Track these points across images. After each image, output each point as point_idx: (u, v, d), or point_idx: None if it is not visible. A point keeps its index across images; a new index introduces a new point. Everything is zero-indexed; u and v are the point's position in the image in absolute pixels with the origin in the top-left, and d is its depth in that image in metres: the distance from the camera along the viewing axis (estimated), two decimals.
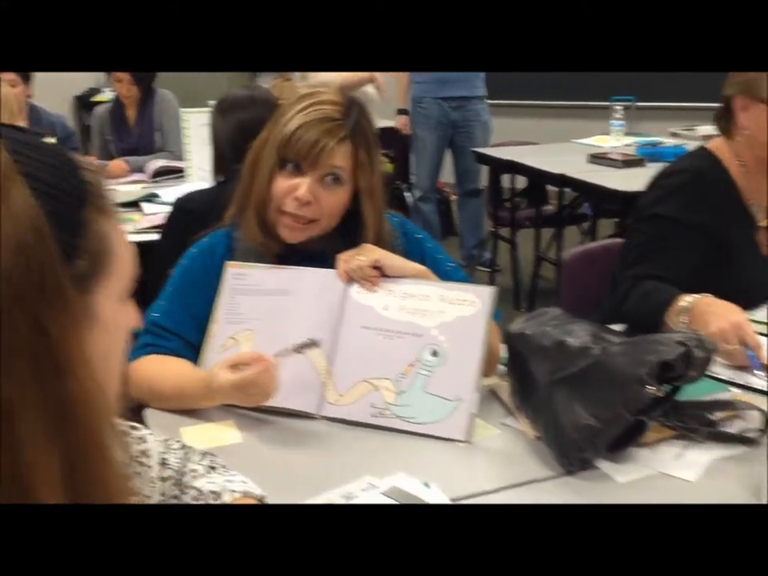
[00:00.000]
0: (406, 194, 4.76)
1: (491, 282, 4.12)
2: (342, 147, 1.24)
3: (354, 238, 1.28)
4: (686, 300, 1.45)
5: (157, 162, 3.09)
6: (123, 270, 0.53)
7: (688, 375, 1.07)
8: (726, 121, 1.69)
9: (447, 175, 4.49)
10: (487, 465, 1.10)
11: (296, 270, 1.29)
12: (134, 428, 0.84)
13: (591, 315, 1.81)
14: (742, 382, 1.28)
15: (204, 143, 2.15)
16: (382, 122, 4.61)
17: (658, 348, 1.05)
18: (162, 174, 3.00)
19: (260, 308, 1.27)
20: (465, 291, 1.22)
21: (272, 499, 0.98)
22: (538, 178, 3.55)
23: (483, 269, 4.21)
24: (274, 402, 1.16)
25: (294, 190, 1.24)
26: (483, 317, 1.19)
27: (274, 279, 1.29)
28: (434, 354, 1.19)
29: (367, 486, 1.02)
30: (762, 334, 1.39)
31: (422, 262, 1.30)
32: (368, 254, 1.24)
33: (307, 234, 1.29)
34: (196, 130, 2.51)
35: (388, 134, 4.56)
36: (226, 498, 0.82)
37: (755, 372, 1.29)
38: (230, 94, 1.98)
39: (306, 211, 1.25)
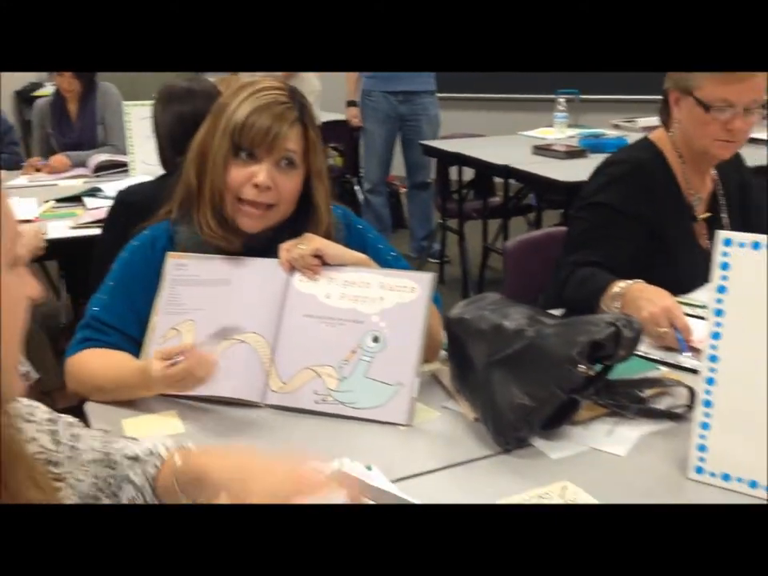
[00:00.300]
0: (357, 188, 4.78)
1: (441, 273, 4.17)
2: (294, 130, 1.26)
3: (305, 224, 1.30)
4: (619, 286, 1.50)
5: (99, 157, 3.04)
6: (5, 236, 0.52)
7: (618, 354, 1.11)
8: (665, 114, 1.75)
9: (398, 168, 4.51)
10: (427, 446, 1.12)
11: (238, 259, 1.30)
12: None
13: (535, 301, 1.86)
14: (671, 361, 1.33)
15: (147, 137, 2.13)
16: (332, 115, 4.62)
17: (589, 328, 1.08)
18: (105, 168, 2.96)
19: (202, 298, 1.28)
20: (404, 278, 1.25)
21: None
22: (485, 169, 3.60)
23: (433, 260, 4.25)
24: (216, 391, 1.17)
25: (251, 178, 1.25)
26: (423, 303, 1.22)
27: (216, 269, 1.30)
28: (375, 340, 1.22)
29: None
30: (692, 316, 1.44)
31: (364, 252, 1.32)
32: (309, 243, 1.26)
33: (266, 222, 1.29)
34: (139, 124, 2.48)
35: (338, 127, 4.57)
36: (162, 450, 0.87)
37: (683, 352, 1.35)
38: (171, 85, 1.97)
39: (265, 197, 1.26)
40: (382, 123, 4.18)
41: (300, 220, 1.32)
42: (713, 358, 0.99)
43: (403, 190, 4.74)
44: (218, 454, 0.88)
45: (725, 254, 0.97)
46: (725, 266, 0.97)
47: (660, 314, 1.40)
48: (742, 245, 0.96)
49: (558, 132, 3.87)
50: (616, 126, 4.14)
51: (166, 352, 1.12)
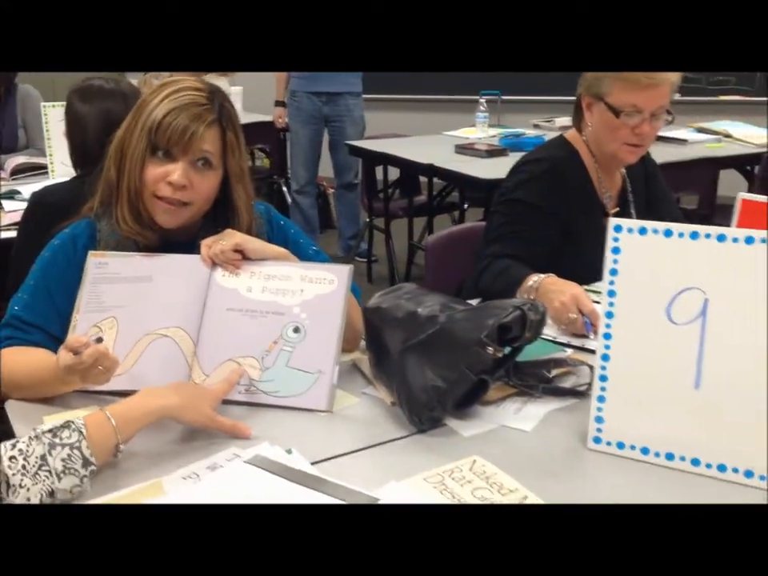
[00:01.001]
0: (284, 189, 4.80)
1: (368, 272, 4.23)
2: (211, 131, 1.29)
3: (225, 222, 1.33)
4: (533, 279, 1.59)
5: (17, 159, 2.98)
6: None
7: (524, 336, 1.18)
8: (577, 118, 1.85)
9: (326, 169, 4.55)
10: (347, 430, 1.17)
11: (159, 256, 1.32)
12: None
13: (458, 294, 1.93)
14: (576, 344, 1.42)
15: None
16: (259, 116, 4.62)
17: (497, 312, 1.15)
18: (23, 171, 2.90)
19: (123, 296, 1.29)
20: (323, 270, 1.29)
21: (140, 474, 1.03)
22: (409, 168, 3.67)
23: (361, 259, 4.31)
24: (138, 385, 1.18)
25: (167, 176, 1.27)
26: (341, 294, 1.27)
27: (138, 266, 1.31)
28: (296, 330, 1.26)
29: (232, 456, 1.07)
30: (599, 303, 1.53)
31: (286, 246, 1.36)
32: (229, 238, 1.29)
33: (182, 218, 1.32)
34: (58, 125, 2.45)
35: (265, 128, 4.58)
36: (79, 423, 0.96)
37: (590, 336, 1.43)
38: (91, 83, 1.96)
39: (180, 195, 1.28)
40: (307, 124, 4.22)
41: (220, 217, 1.35)
42: (607, 336, 1.07)
43: (331, 191, 4.78)
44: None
45: (615, 240, 1.05)
46: (616, 251, 1.06)
47: (569, 302, 1.48)
48: (630, 231, 1.04)
49: (480, 132, 3.98)
50: (536, 126, 4.28)
51: (71, 341, 1.12)
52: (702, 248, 0.99)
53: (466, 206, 3.99)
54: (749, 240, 0.96)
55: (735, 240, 0.97)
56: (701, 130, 3.87)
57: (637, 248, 1.04)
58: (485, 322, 1.14)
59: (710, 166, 3.43)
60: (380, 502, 0.94)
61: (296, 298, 1.27)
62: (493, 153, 3.48)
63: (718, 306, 0.99)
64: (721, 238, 0.98)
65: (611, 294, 1.06)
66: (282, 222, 1.45)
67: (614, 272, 1.06)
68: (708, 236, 0.99)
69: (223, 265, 1.30)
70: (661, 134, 3.69)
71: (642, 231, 1.03)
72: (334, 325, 1.25)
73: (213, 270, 1.31)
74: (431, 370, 1.14)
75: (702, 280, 1.00)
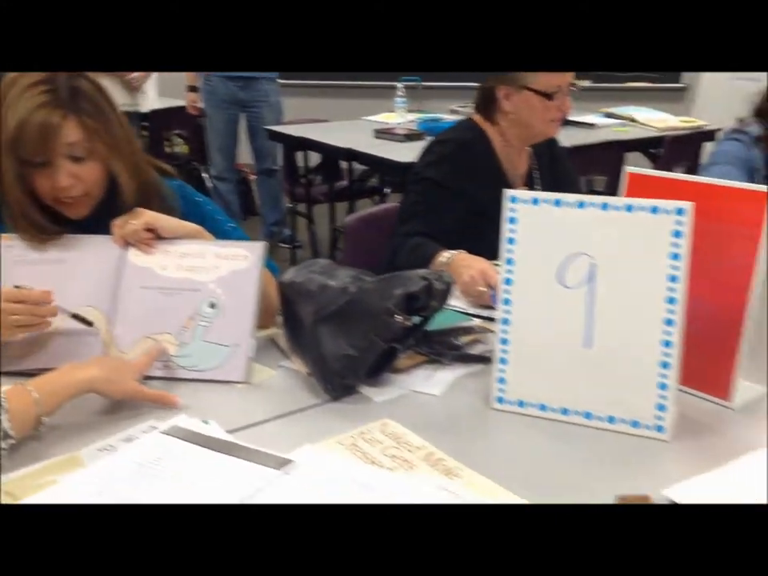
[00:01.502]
0: (204, 175, 4.75)
1: (293, 257, 4.25)
2: (68, 123, 1.25)
3: (108, 199, 1.33)
4: (445, 256, 1.66)
5: None
6: None
7: (431, 305, 1.24)
8: (488, 108, 1.92)
9: (247, 155, 4.53)
10: (263, 400, 1.21)
11: (72, 238, 1.33)
12: None
13: (374, 272, 1.99)
14: (484, 314, 1.49)
15: None
16: (176, 101, 4.56)
17: (404, 282, 1.21)
18: None
19: (36, 278, 1.29)
20: (237, 247, 1.32)
21: (61, 446, 1.04)
22: (329, 153, 3.71)
23: (284, 245, 4.32)
24: (52, 363, 1.19)
25: (54, 184, 1.27)
26: (255, 269, 1.30)
27: (50, 249, 1.31)
28: (212, 306, 1.28)
29: (148, 428, 1.09)
30: None
31: (203, 224, 1.38)
32: (140, 217, 1.30)
33: (90, 205, 1.33)
34: None
35: (183, 113, 4.53)
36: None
37: (497, 307, 1.50)
38: None
39: (75, 192, 1.30)
40: (222, 109, 4.18)
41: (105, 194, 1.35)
42: (506, 302, 1.14)
43: (253, 177, 4.77)
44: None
45: (512, 210, 1.12)
46: (512, 221, 1.12)
47: (477, 276, 1.56)
48: (525, 201, 1.11)
49: (399, 117, 4.04)
50: (453, 111, 4.37)
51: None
52: (588, 216, 1.07)
53: (388, 190, 4.05)
54: (629, 208, 1.05)
55: (617, 208, 1.05)
56: (608, 115, 4.04)
57: (531, 218, 1.11)
58: (393, 292, 1.19)
59: (617, 149, 3.59)
60: (295, 463, 0.98)
61: (211, 275, 1.30)
62: (411, 137, 3.55)
63: (604, 270, 1.07)
64: (604, 206, 1.06)
65: (509, 262, 1.13)
66: (198, 199, 1.47)
67: (511, 241, 1.13)
68: (593, 205, 1.07)
69: (136, 244, 1.31)
70: (571, 118, 3.87)
71: (535, 202, 1.10)
72: (249, 299, 1.28)
73: (126, 250, 1.32)
74: (343, 339, 1.19)
75: (589, 246, 1.07)
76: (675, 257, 1.03)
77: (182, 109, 4.51)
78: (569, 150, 3.25)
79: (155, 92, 4.34)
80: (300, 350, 1.27)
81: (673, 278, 1.03)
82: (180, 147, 4.92)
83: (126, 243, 1.32)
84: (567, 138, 3.41)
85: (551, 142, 2.10)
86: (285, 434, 1.11)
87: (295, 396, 1.21)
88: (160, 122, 4.47)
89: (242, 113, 4.23)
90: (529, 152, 2.03)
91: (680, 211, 1.02)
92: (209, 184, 4.55)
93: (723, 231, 1.12)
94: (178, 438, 1.04)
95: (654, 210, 1.03)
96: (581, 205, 1.08)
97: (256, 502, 0.91)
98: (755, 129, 1.96)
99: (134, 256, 1.32)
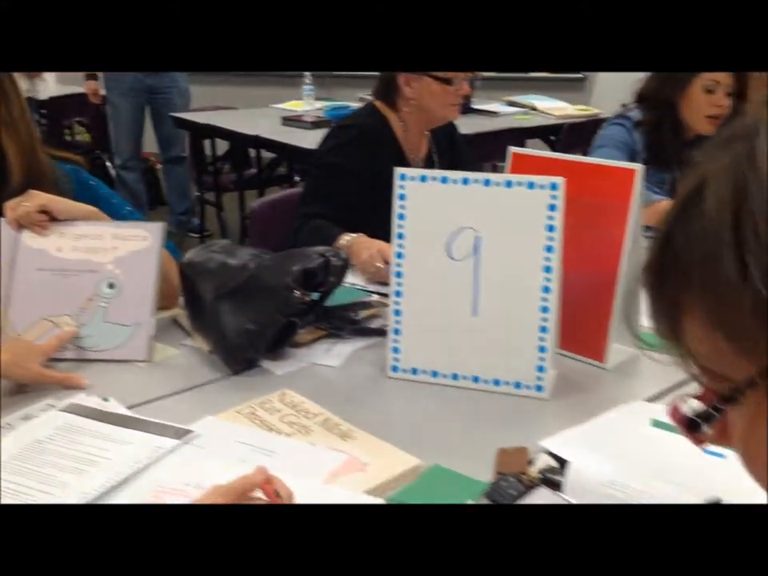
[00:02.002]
0: (108, 164, 4.64)
1: None
2: None
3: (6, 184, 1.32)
4: (345, 238, 1.71)
5: None
6: None
7: (329, 281, 1.29)
8: (390, 95, 1.97)
9: (153, 144, 4.45)
10: (165, 377, 1.23)
11: None
12: None
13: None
14: (383, 291, 1.55)
15: None
16: (77, 88, 4.43)
17: (302, 259, 1.25)
18: None
19: None
20: (136, 228, 1.33)
21: None
22: (237, 141, 3.69)
23: (193, 235, 4.28)
24: None
25: None
26: (155, 249, 1.31)
27: None
28: (111, 286, 1.29)
29: (45, 407, 1.10)
30: None
31: (97, 206, 1.37)
32: (33, 199, 1.29)
33: None
34: None
35: (83, 100, 4.40)
36: None
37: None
38: None
39: None
40: (129, 96, 4.09)
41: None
42: (398, 275, 1.20)
43: (159, 166, 4.69)
44: None
45: (401, 187, 1.18)
46: (402, 197, 1.18)
47: (375, 254, 1.61)
48: (413, 179, 1.17)
49: (307, 104, 4.06)
50: (362, 99, 4.41)
51: None
52: (472, 192, 1.14)
53: (297, 178, 4.07)
54: (508, 184, 1.12)
55: (498, 184, 1.12)
56: (510, 103, 4.18)
57: (419, 194, 1.17)
58: (291, 268, 1.23)
59: (518, 136, 3.72)
60: (195, 433, 1.01)
61: (109, 255, 1.30)
62: (318, 124, 3.57)
63: (488, 242, 1.14)
64: (486, 182, 1.13)
65: (400, 236, 1.19)
66: (92, 183, 1.47)
67: (401, 216, 1.19)
68: (476, 181, 1.13)
69: (30, 227, 1.30)
70: (474, 107, 3.98)
71: (423, 179, 1.16)
72: (149, 279, 1.30)
73: (20, 232, 1.31)
74: (243, 314, 1.22)
75: (474, 220, 1.14)
76: (551, 228, 1.11)
77: (82, 96, 4.39)
78: (473, 137, 3.38)
79: (54, 78, 4.21)
80: (201, 328, 1.30)
81: (549, 249, 1.11)
82: (82, 136, 4.79)
83: (20, 225, 1.30)
84: (471, 126, 3.54)
85: (450, 127, 2.18)
86: (186, 407, 1.13)
87: (197, 372, 1.24)
88: (59, 110, 4.33)
89: (149, 99, 4.14)
90: (428, 136, 2.09)
91: (553, 186, 1.10)
92: (113, 173, 4.45)
93: (597, 206, 1.21)
94: (75, 414, 1.05)
95: (531, 185, 1.11)
96: (465, 181, 1.14)
97: (155, 470, 0.94)
98: (636, 114, 2.09)
99: (29, 238, 1.31)
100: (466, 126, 3.46)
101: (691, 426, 0.46)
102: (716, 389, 0.44)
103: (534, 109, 4.08)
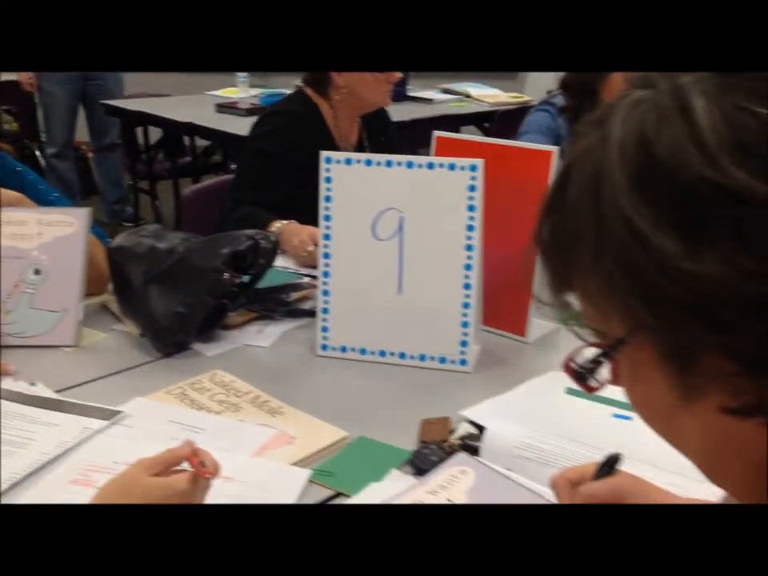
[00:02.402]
0: (37, 153, 4.52)
1: None
2: None
3: None
4: (276, 225, 1.72)
5: None
6: None
7: (259, 263, 1.31)
8: (321, 83, 1.99)
9: (83, 132, 4.35)
10: (94, 361, 1.23)
11: None
12: None
13: None
14: (314, 274, 1.57)
15: None
16: (4, 75, 4.29)
17: (231, 242, 1.27)
18: None
19: None
20: (61, 213, 1.32)
21: None
22: (170, 128, 3.65)
23: (127, 224, 4.21)
24: None
25: None
26: (81, 235, 1.31)
27: None
28: (37, 272, 1.28)
29: None
30: None
31: (23, 192, 1.36)
32: None
33: None
34: None
35: (11, 87, 4.27)
36: None
37: None
38: None
39: None
40: (64, 83, 3.98)
41: None
42: (326, 256, 1.23)
43: (91, 154, 4.59)
44: None
45: (327, 170, 1.21)
46: (328, 180, 1.21)
47: (306, 239, 1.64)
48: (338, 162, 1.20)
49: (241, 92, 4.03)
50: (297, 87, 4.40)
51: None
52: (396, 174, 1.17)
53: (233, 166, 4.04)
54: (430, 165, 1.16)
55: (420, 166, 1.16)
56: (445, 91, 4.23)
57: (345, 177, 1.20)
58: (220, 251, 1.25)
59: (453, 123, 3.77)
60: (124, 414, 1.02)
61: (34, 242, 1.29)
62: (252, 111, 3.55)
63: (412, 222, 1.18)
64: (409, 164, 1.17)
65: (327, 218, 1.22)
66: (18, 169, 1.45)
67: (328, 199, 1.21)
68: (400, 164, 1.17)
69: None
70: (409, 94, 4.02)
71: (348, 162, 1.19)
72: (76, 265, 1.29)
73: None
74: (173, 298, 1.23)
75: (398, 201, 1.18)
76: (471, 208, 1.15)
77: (9, 84, 4.25)
78: (408, 124, 3.42)
79: None
80: (131, 312, 1.30)
81: (470, 228, 1.16)
82: (9, 125, 4.64)
83: None
84: (406, 113, 3.58)
85: (381, 113, 2.21)
86: (115, 390, 1.14)
87: (127, 355, 1.24)
88: None
89: (84, 86, 4.04)
90: (359, 123, 2.12)
91: (473, 167, 1.14)
92: (42, 162, 4.34)
93: (516, 186, 1.26)
94: (2, 399, 1.05)
95: (452, 166, 1.15)
96: (389, 164, 1.18)
97: (84, 450, 0.95)
98: (560, 100, 2.15)
99: None
100: (402, 113, 3.51)
101: (579, 377, 0.51)
102: (599, 344, 0.48)
103: (469, 96, 4.14)
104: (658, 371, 0.43)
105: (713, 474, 0.47)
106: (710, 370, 0.40)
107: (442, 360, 1.20)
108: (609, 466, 0.74)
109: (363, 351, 1.23)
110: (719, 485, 0.48)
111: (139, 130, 3.92)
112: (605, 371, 0.51)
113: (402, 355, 1.21)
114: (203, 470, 0.76)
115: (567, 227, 0.46)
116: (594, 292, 0.45)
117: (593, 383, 0.51)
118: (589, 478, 0.74)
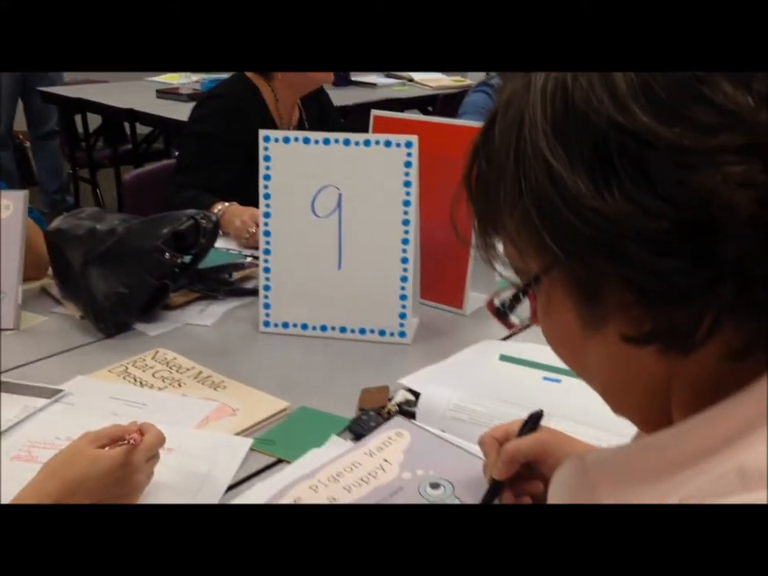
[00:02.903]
0: None
1: None
2: None
3: None
4: (218, 207, 1.73)
5: None
6: None
7: (200, 243, 1.32)
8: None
9: (18, 121, 4.24)
10: (35, 343, 1.23)
11: None
12: None
13: None
14: (257, 254, 1.59)
15: None
16: None
17: (171, 221, 1.27)
18: None
19: None
20: None
21: None
22: (110, 115, 3.59)
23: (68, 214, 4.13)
24: None
25: None
26: (18, 218, 1.30)
27: None
28: None
29: None
30: None
31: None
32: None
33: None
34: None
35: None
36: None
37: None
38: None
39: None
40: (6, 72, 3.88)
41: None
42: (267, 233, 1.25)
43: (28, 144, 4.48)
44: None
45: (266, 149, 1.22)
46: (267, 159, 1.22)
47: (247, 220, 1.65)
48: (276, 140, 1.21)
49: (183, 77, 3.99)
50: None
51: None
52: (333, 152, 1.19)
53: (177, 153, 3.99)
54: (367, 143, 1.18)
55: (357, 143, 1.19)
56: (389, 75, 4.25)
57: (283, 155, 1.21)
58: (160, 231, 1.25)
59: (396, 107, 3.80)
60: (65, 392, 1.03)
61: None
62: (195, 97, 3.51)
63: (350, 198, 1.21)
64: (347, 142, 1.19)
65: (266, 196, 1.24)
66: None
67: (267, 177, 1.23)
68: (337, 141, 1.19)
69: None
70: (353, 78, 4.03)
71: (286, 140, 1.21)
72: (14, 248, 1.28)
73: None
74: (113, 278, 1.23)
75: (336, 178, 1.20)
76: (407, 184, 1.18)
77: None
78: (352, 108, 3.43)
79: None
80: (72, 295, 1.30)
81: (406, 203, 1.19)
82: None
83: None
84: (350, 97, 3.59)
85: (320, 95, 2.22)
86: (57, 370, 1.14)
87: (68, 337, 1.24)
88: None
89: (24, 73, 3.93)
90: (298, 104, 2.13)
91: (409, 144, 1.17)
92: None
93: (450, 162, 1.28)
94: None
95: (388, 143, 1.18)
96: (327, 142, 1.20)
97: (26, 428, 0.95)
98: (497, 81, 2.20)
99: None
100: (345, 97, 3.52)
101: (500, 313, 0.54)
102: (518, 282, 0.52)
103: (412, 80, 4.17)
104: (567, 303, 0.47)
105: (616, 403, 0.51)
106: (612, 300, 0.44)
107: (382, 333, 1.23)
108: (532, 422, 0.79)
109: (305, 327, 1.26)
110: (622, 414, 0.52)
111: (78, 118, 3.84)
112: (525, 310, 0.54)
113: (343, 329, 1.24)
114: (139, 440, 0.78)
115: (491, 169, 0.48)
116: (513, 232, 0.48)
117: (513, 320, 0.54)
118: (514, 435, 0.79)
